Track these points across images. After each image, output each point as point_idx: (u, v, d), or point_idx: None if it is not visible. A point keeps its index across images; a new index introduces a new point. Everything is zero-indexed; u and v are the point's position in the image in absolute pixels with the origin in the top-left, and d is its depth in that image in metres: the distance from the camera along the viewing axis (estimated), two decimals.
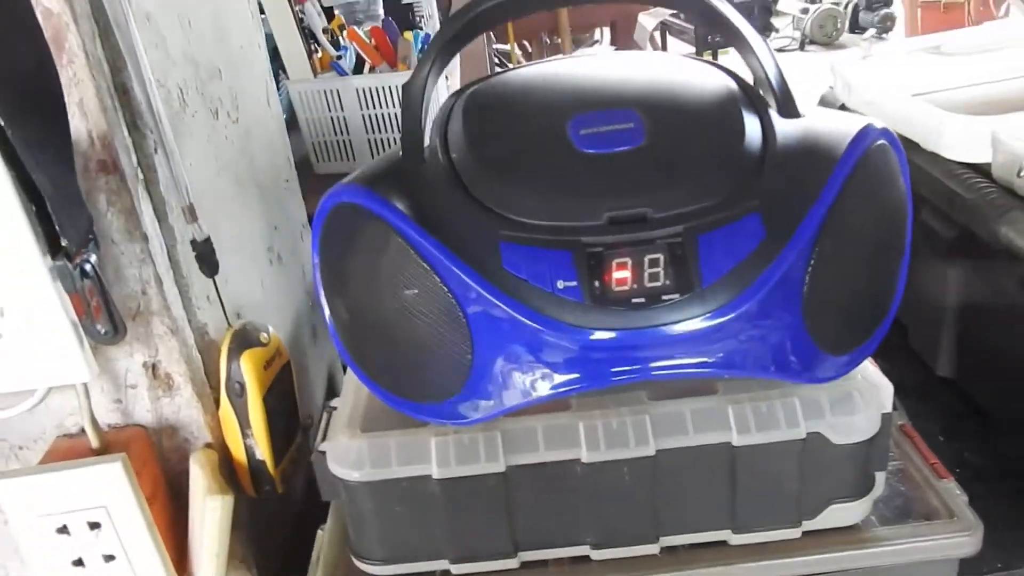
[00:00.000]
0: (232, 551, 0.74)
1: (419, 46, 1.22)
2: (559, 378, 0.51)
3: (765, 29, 2.98)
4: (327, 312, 0.58)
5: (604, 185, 0.52)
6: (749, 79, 0.61)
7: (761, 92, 0.58)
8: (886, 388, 0.58)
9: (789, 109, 0.57)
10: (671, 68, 0.62)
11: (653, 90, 0.59)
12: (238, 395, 0.70)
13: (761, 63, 0.58)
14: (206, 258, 0.69)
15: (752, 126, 0.55)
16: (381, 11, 1.56)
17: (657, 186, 0.52)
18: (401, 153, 0.59)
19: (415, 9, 1.73)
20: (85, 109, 0.59)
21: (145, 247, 0.63)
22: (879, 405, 0.57)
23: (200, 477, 0.69)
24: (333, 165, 1.27)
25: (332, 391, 1.06)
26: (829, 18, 4.54)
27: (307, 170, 1.29)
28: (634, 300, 0.49)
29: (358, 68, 1.24)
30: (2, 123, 0.51)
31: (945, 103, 0.94)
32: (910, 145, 0.94)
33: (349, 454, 0.57)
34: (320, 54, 1.26)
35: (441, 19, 1.89)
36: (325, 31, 1.26)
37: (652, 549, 0.59)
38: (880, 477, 0.60)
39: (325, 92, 1.20)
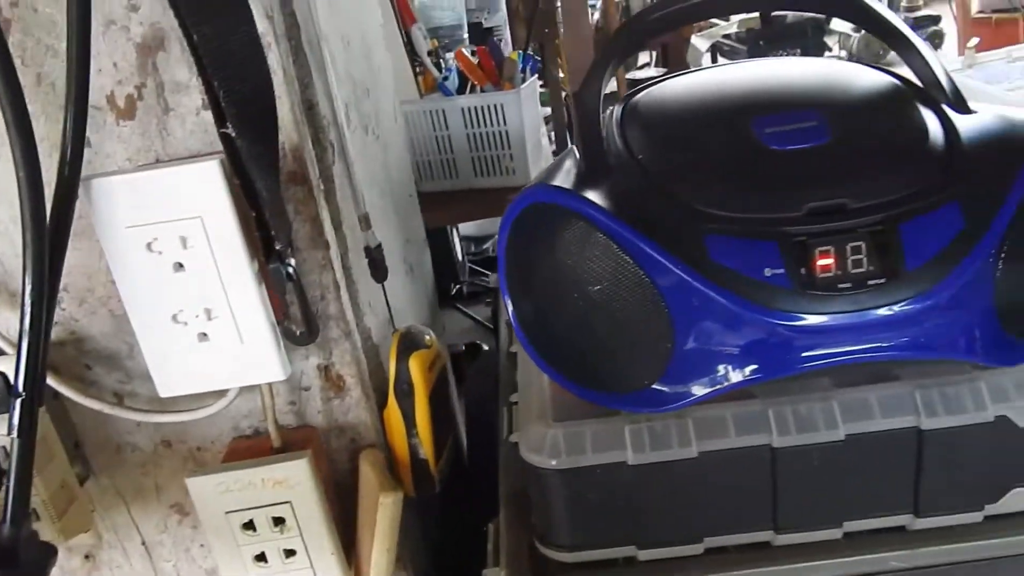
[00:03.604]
0: None
1: (522, 65, 1.26)
2: (760, 363, 0.53)
3: (819, 48, 2.99)
4: (511, 310, 0.61)
5: (799, 179, 0.55)
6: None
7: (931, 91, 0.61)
8: None
9: (962, 105, 0.59)
10: (840, 70, 0.65)
11: (828, 90, 0.61)
12: (406, 395, 0.73)
13: (929, 64, 0.61)
14: (378, 264, 0.72)
15: (932, 121, 0.57)
16: (466, 35, 1.61)
17: (851, 179, 0.54)
18: (581, 158, 0.62)
19: (495, 32, 1.78)
20: (281, 123, 0.63)
21: (326, 254, 0.67)
22: None
23: (371, 475, 0.71)
24: (436, 183, 1.31)
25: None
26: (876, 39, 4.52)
27: None
28: (840, 285, 0.51)
29: (461, 88, 1.28)
30: (234, 134, 0.54)
31: None
32: None
33: (544, 442, 0.59)
34: (424, 76, 1.30)
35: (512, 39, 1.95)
36: (430, 54, 1.30)
37: (835, 534, 0.61)
38: None
39: (432, 112, 1.24)
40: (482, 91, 1.27)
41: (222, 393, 0.68)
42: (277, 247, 0.59)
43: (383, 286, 0.75)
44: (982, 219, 0.52)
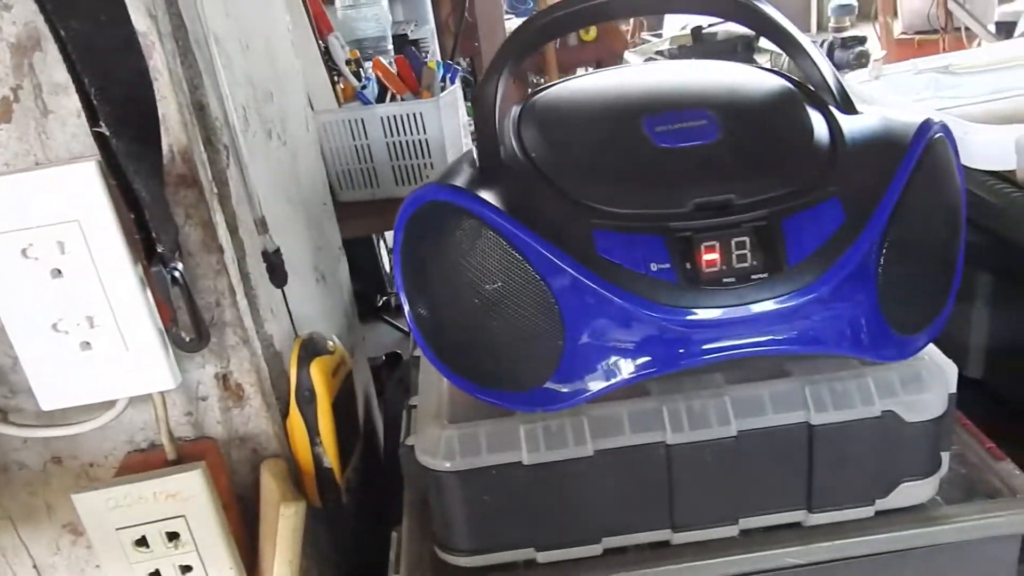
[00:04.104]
0: None
1: (441, 74, 1.25)
2: (650, 358, 0.53)
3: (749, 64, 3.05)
4: (408, 309, 0.60)
5: (687, 176, 0.55)
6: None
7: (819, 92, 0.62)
8: (951, 369, 0.60)
9: (848, 107, 0.60)
10: (731, 72, 0.65)
11: (719, 92, 0.62)
12: (308, 403, 0.71)
13: (817, 66, 0.62)
14: (277, 269, 0.71)
15: (818, 121, 0.58)
16: (391, 46, 1.60)
17: (737, 175, 0.55)
18: (476, 158, 0.61)
19: (420, 44, 1.77)
20: (167, 125, 0.61)
21: (220, 258, 0.65)
22: (946, 384, 0.60)
23: (273, 486, 0.70)
24: (356, 193, 1.29)
25: (368, 411, 1.07)
26: None
27: (332, 199, 1.31)
28: (725, 280, 0.52)
29: (380, 97, 1.27)
30: (108, 132, 0.53)
31: (966, 117, 0.98)
32: None
33: (439, 445, 0.58)
34: (343, 85, 1.29)
35: (440, 51, 1.96)
36: (348, 63, 1.29)
37: (731, 531, 0.61)
38: (946, 457, 0.63)
39: (350, 122, 1.23)
40: (402, 100, 1.26)
41: (110, 404, 0.65)
42: (159, 250, 0.57)
43: (283, 292, 0.73)
44: (862, 214, 0.53)
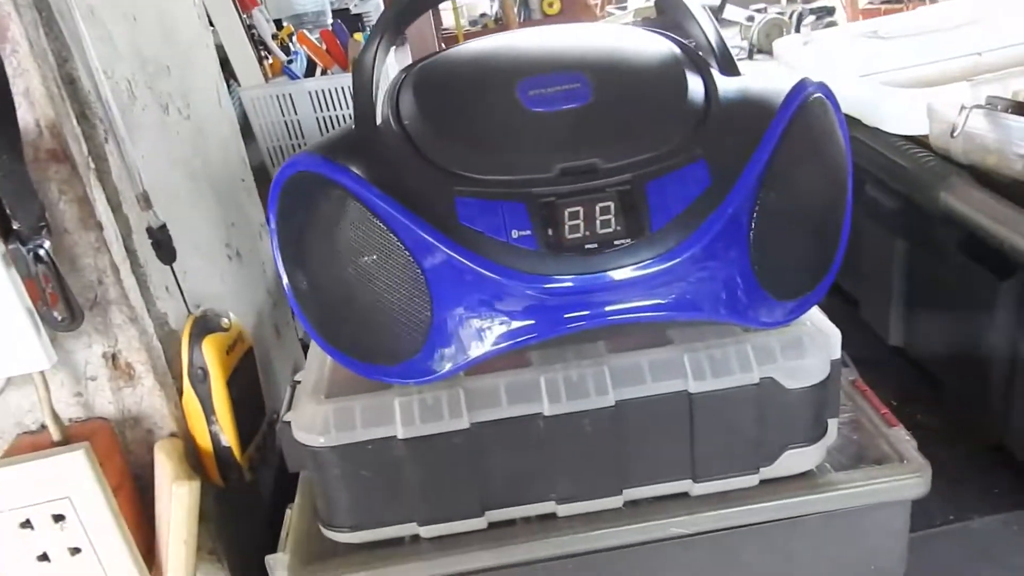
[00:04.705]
0: (201, 543, 0.73)
1: None
2: (516, 326, 0.52)
3: None
4: (286, 282, 0.59)
5: (554, 140, 0.54)
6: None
7: (702, 54, 0.61)
8: (834, 335, 0.60)
9: (729, 68, 0.59)
10: (615, 35, 0.64)
11: (598, 54, 0.61)
12: (201, 381, 0.70)
13: (701, 27, 0.60)
14: (163, 245, 0.69)
15: (695, 83, 0.57)
16: (330, 20, 1.58)
17: (605, 139, 0.54)
18: (354, 125, 0.60)
19: (364, 19, 1.75)
20: (32, 98, 0.59)
21: (100, 235, 0.63)
22: (828, 351, 0.59)
23: (166, 465, 0.68)
24: None
25: None
26: (775, 27, 4.64)
27: (264, 176, 1.29)
28: (587, 246, 0.51)
29: (309, 72, 1.25)
30: None
31: (892, 83, 0.97)
32: (853, 122, 0.97)
33: (315, 420, 0.57)
34: (271, 60, 1.27)
35: None
36: (274, 38, 1.27)
37: (616, 502, 0.60)
38: (833, 424, 0.62)
39: (278, 96, 1.21)
40: (331, 74, 1.24)
41: None
42: (15, 227, 0.55)
43: (172, 269, 0.71)
44: (729, 176, 0.52)
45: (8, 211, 0.55)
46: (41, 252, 0.58)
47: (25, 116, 0.59)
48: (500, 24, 3.09)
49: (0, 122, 0.54)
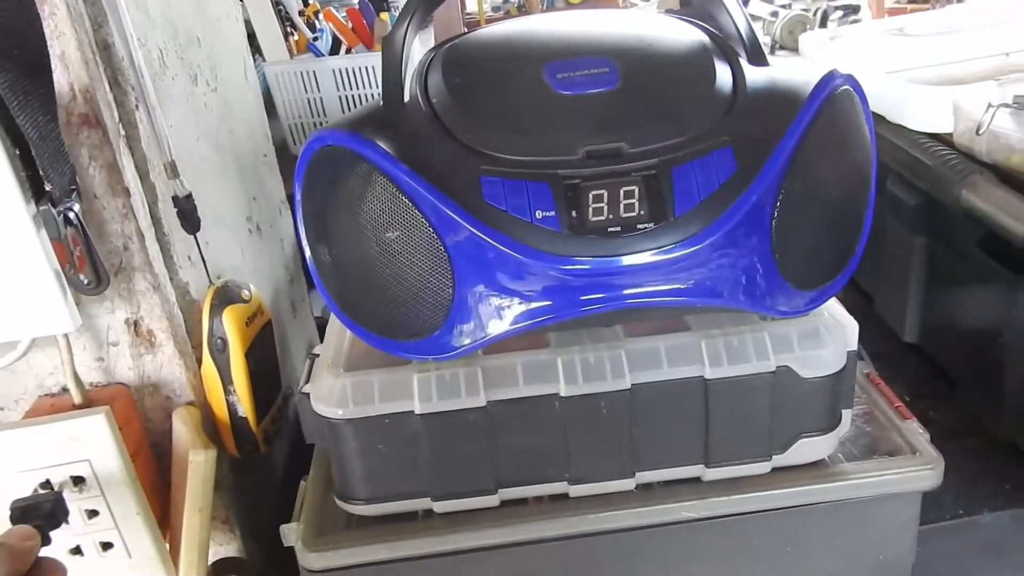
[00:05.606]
0: (215, 512, 0.74)
1: None
2: (536, 306, 0.53)
3: None
4: (309, 255, 0.60)
5: (581, 123, 0.54)
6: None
7: (731, 43, 0.61)
8: (851, 326, 0.60)
9: (758, 57, 0.59)
10: (643, 22, 0.64)
11: (626, 40, 0.61)
12: (220, 351, 0.70)
13: (731, 15, 0.60)
14: (188, 215, 0.70)
15: (723, 71, 0.57)
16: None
17: (632, 123, 0.54)
18: (382, 102, 0.60)
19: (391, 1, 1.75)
20: (67, 62, 0.60)
21: (127, 202, 0.64)
22: (845, 342, 0.59)
23: (183, 432, 0.69)
24: None
25: None
26: (798, 23, 4.62)
27: (284, 152, 1.30)
28: (610, 229, 0.51)
29: (334, 50, 1.25)
30: None
31: (917, 80, 0.97)
32: (877, 118, 0.97)
33: (333, 393, 0.58)
34: (296, 37, 1.27)
35: None
36: (301, 14, 1.27)
37: (628, 485, 0.61)
38: (847, 415, 0.63)
39: (302, 73, 1.21)
40: (355, 52, 1.24)
41: (12, 346, 0.65)
42: (47, 188, 0.56)
43: (196, 239, 0.72)
44: (754, 164, 0.52)
45: (42, 172, 0.55)
46: (71, 215, 0.58)
47: (60, 80, 0.60)
48: (523, 11, 3.09)
49: (37, 84, 0.54)
